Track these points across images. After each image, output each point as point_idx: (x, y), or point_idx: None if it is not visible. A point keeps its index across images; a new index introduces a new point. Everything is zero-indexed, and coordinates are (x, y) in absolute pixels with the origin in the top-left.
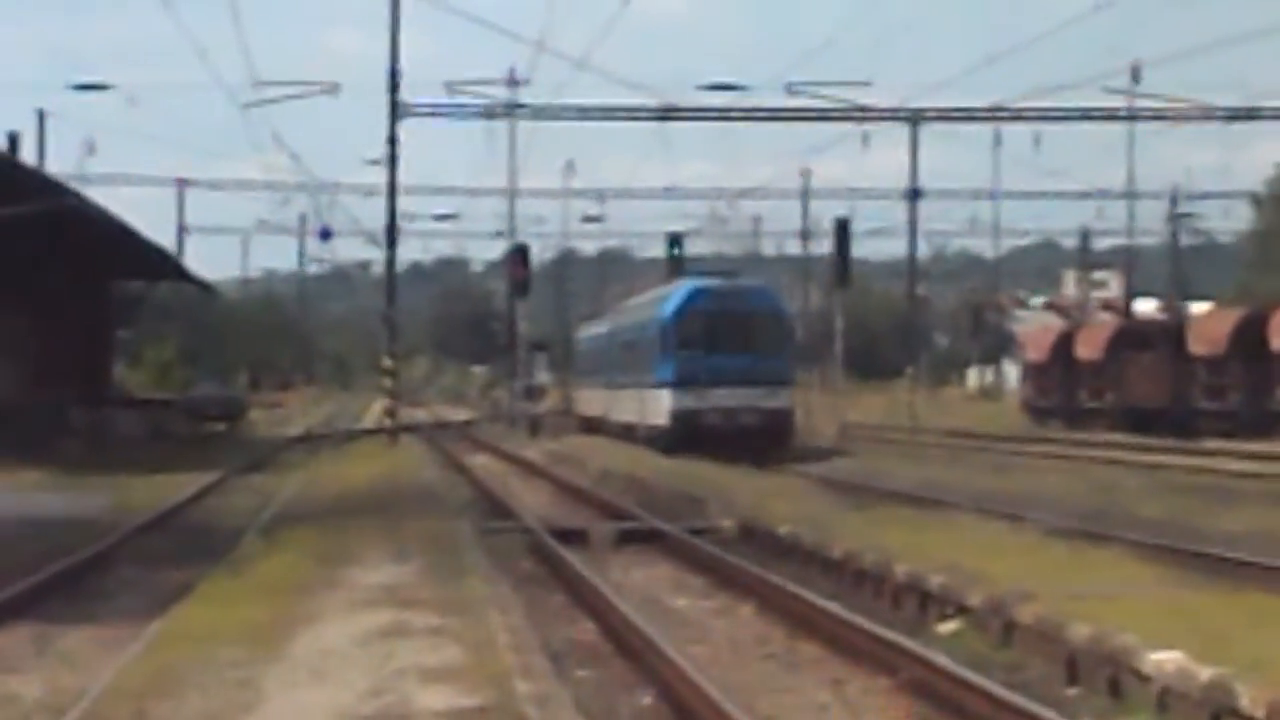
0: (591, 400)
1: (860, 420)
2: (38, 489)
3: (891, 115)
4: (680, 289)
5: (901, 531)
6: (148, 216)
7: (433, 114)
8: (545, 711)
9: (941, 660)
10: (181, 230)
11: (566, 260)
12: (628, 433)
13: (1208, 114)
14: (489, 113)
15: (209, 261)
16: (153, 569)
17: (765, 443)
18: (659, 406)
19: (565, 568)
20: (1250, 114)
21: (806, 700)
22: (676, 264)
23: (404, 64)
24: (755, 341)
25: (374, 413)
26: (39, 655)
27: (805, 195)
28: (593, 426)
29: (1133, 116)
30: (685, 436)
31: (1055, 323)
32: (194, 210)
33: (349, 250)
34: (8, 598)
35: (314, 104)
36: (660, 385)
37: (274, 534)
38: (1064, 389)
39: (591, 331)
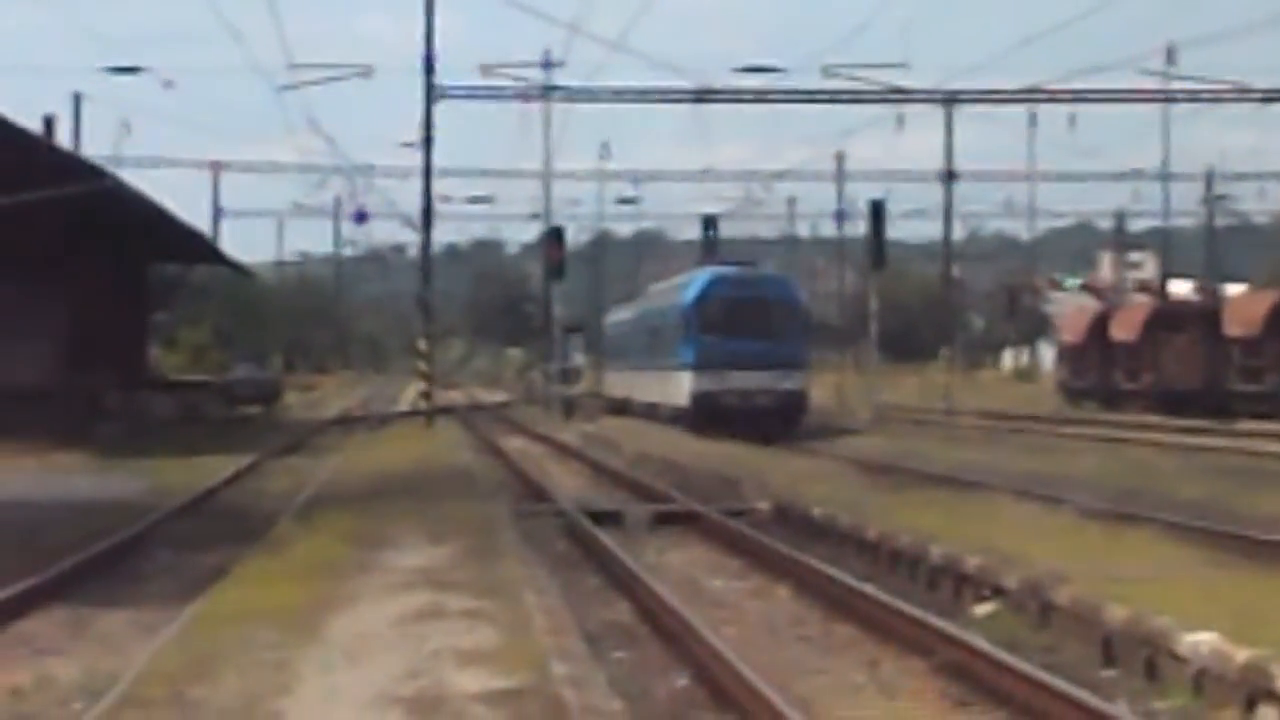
0: (618, 382)
1: (895, 402)
2: (74, 472)
3: (927, 97)
4: (700, 276)
5: (937, 513)
6: (183, 199)
7: (468, 97)
8: (581, 693)
9: (978, 642)
10: (217, 213)
11: (602, 242)
12: (651, 412)
13: (1243, 95)
14: (524, 95)
15: (244, 244)
16: (189, 552)
17: (780, 423)
18: (680, 388)
19: (600, 550)
20: None
21: (842, 681)
22: (711, 246)
23: (439, 47)
24: (771, 327)
25: (409, 395)
26: (76, 638)
27: (840, 177)
28: (619, 408)
29: (1168, 98)
30: (705, 416)
31: (1090, 304)
32: (229, 193)
33: (384, 233)
34: (45, 580)
35: (349, 87)
36: (681, 368)
37: (310, 517)
38: (1099, 370)
39: (618, 317)
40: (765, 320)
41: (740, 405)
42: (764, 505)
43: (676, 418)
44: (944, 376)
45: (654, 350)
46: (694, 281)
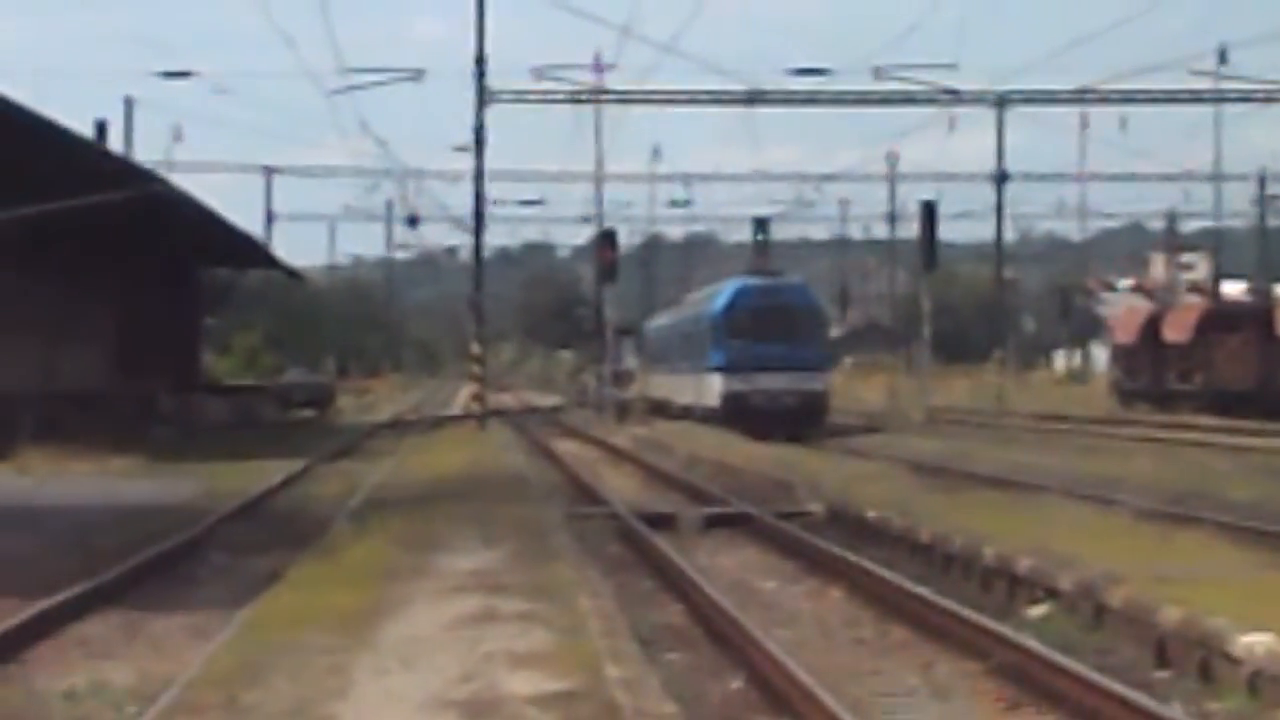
0: (659, 385)
1: (948, 403)
2: (127, 476)
3: (978, 98)
4: (729, 287)
5: (990, 515)
6: (235, 204)
7: (519, 100)
8: (634, 696)
9: (1031, 644)
10: (269, 217)
11: (653, 245)
12: (686, 413)
13: None
14: (575, 98)
15: (296, 248)
16: (242, 556)
17: (803, 421)
18: (712, 389)
19: (654, 552)
20: None
21: (896, 684)
22: (762, 248)
23: (490, 50)
24: (794, 332)
25: (462, 399)
26: (129, 642)
27: (892, 179)
28: (659, 409)
29: (1220, 98)
30: (734, 415)
31: (1142, 305)
32: (281, 197)
33: (436, 236)
34: (99, 584)
35: (400, 90)
36: (713, 370)
37: (363, 520)
38: (1152, 371)
39: (657, 323)
40: (789, 326)
41: (767, 405)
42: (817, 508)
43: (708, 416)
44: (996, 378)
45: (688, 354)
46: (723, 291)
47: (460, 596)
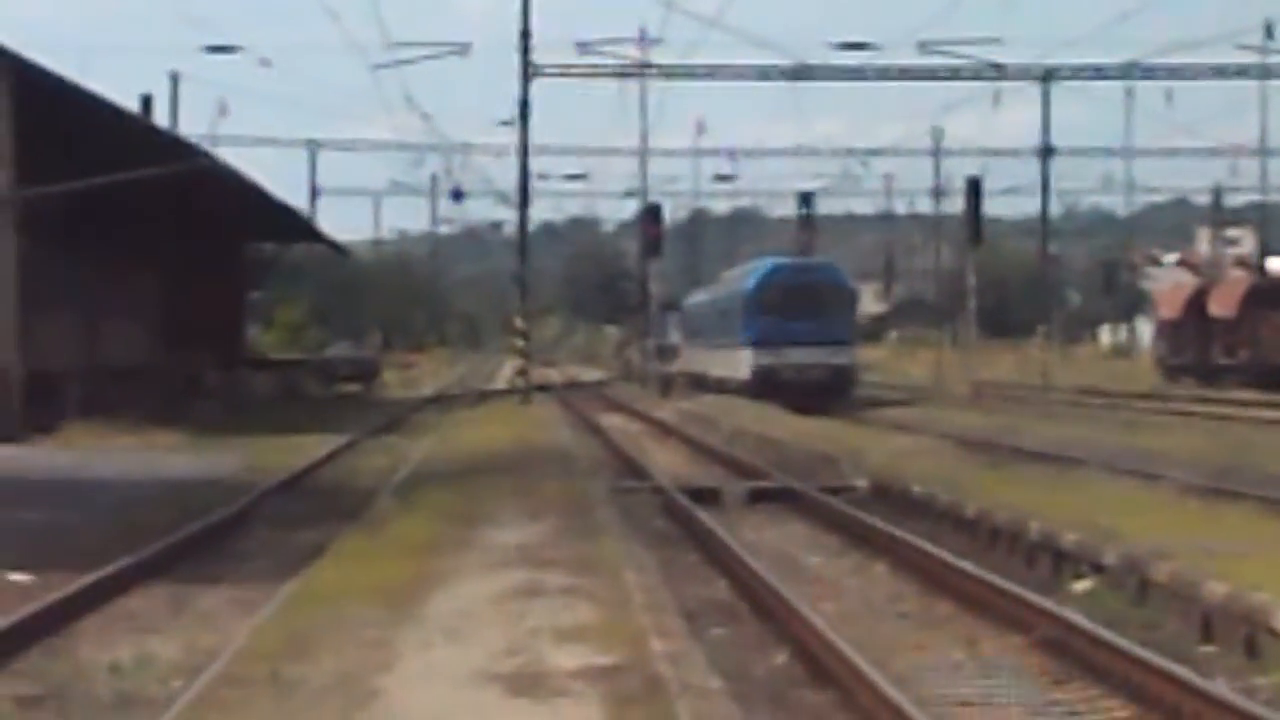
0: (695, 359)
1: (993, 378)
2: (173, 450)
3: (1023, 73)
4: (761, 266)
5: (1035, 490)
6: (280, 178)
7: (564, 74)
8: (679, 670)
9: (1076, 618)
10: (314, 192)
11: (698, 219)
12: (721, 386)
13: None
14: (620, 72)
15: (341, 223)
16: (287, 530)
17: (830, 393)
18: (743, 363)
19: (698, 527)
20: None
21: (941, 659)
22: (807, 223)
23: (535, 24)
24: (822, 310)
25: (506, 373)
26: (175, 615)
27: (937, 153)
28: (696, 382)
29: (1266, 72)
30: (764, 388)
31: (1188, 280)
32: (326, 172)
33: (481, 210)
34: (145, 558)
35: (445, 64)
36: (744, 345)
37: (408, 494)
38: (1197, 346)
39: (695, 300)
40: (817, 304)
41: (795, 378)
42: (862, 482)
43: (740, 389)
44: (1042, 353)
45: (723, 330)
46: (755, 270)
47: (505, 571)
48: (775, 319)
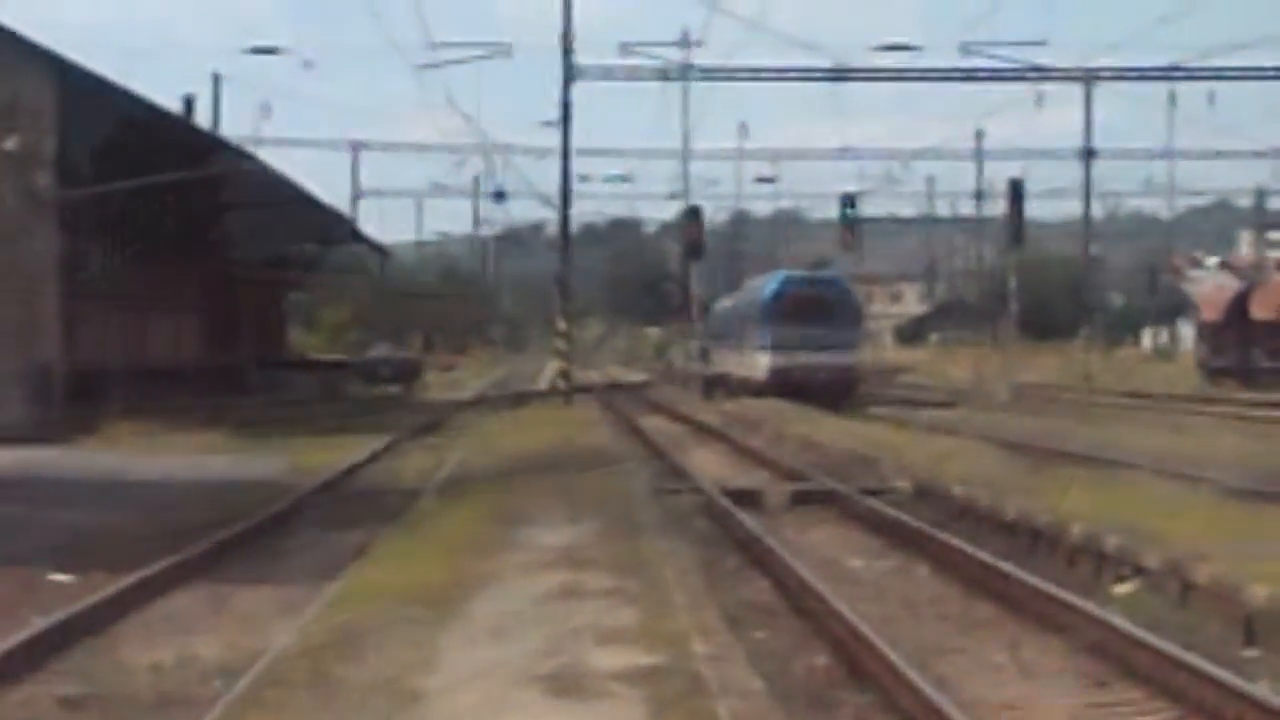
0: (720, 360)
1: (1034, 381)
2: (215, 450)
3: (1066, 75)
4: (775, 277)
5: (1076, 492)
6: (322, 180)
7: (606, 76)
8: (721, 671)
9: (1118, 621)
10: (356, 193)
11: (740, 221)
12: (742, 385)
13: None
14: (662, 74)
15: (383, 224)
16: (329, 530)
17: (836, 392)
18: (760, 364)
19: (740, 529)
20: None
21: (982, 661)
22: (850, 225)
23: (577, 25)
24: (830, 317)
25: (548, 374)
26: (217, 615)
27: (979, 155)
28: (720, 382)
29: None
30: (778, 387)
31: (1230, 283)
32: (368, 173)
33: (522, 212)
34: (188, 558)
35: (488, 66)
36: (761, 349)
37: (449, 495)
38: (1239, 349)
39: (721, 305)
40: (825, 312)
41: (805, 378)
42: (904, 484)
43: (756, 388)
44: (1083, 355)
45: (743, 334)
46: (770, 281)
47: (547, 572)
48: (788, 325)
